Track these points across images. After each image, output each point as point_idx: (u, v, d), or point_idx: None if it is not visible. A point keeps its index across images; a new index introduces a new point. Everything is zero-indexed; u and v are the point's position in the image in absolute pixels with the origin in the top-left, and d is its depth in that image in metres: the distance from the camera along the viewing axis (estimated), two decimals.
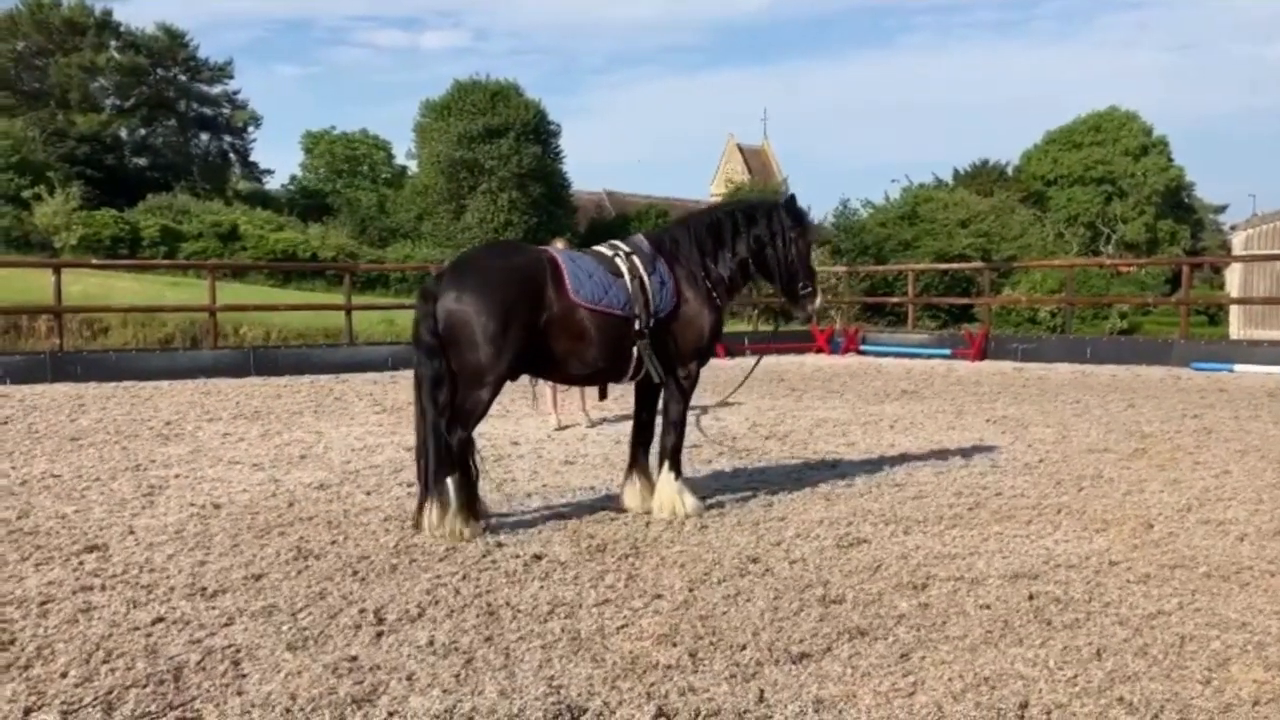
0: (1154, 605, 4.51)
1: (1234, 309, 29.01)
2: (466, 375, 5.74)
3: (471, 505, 5.80)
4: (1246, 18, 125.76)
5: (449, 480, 5.68)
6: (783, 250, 6.47)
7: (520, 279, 5.80)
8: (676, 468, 6.33)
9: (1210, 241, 60.06)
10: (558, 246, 10.22)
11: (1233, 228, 33.44)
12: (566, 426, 9.85)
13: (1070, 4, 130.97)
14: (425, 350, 5.75)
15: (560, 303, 5.85)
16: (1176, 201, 58.96)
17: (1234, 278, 29.71)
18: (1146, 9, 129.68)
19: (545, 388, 9.90)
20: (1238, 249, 30.20)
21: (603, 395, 6.80)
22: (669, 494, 6.26)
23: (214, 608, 4.45)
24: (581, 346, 5.97)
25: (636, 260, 6.17)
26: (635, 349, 6.09)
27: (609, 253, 6.24)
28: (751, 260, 6.49)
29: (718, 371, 15.17)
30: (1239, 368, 16.23)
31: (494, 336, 5.65)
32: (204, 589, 4.72)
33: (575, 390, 9.82)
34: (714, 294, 6.34)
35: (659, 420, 6.44)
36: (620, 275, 6.08)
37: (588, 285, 5.93)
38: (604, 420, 10.29)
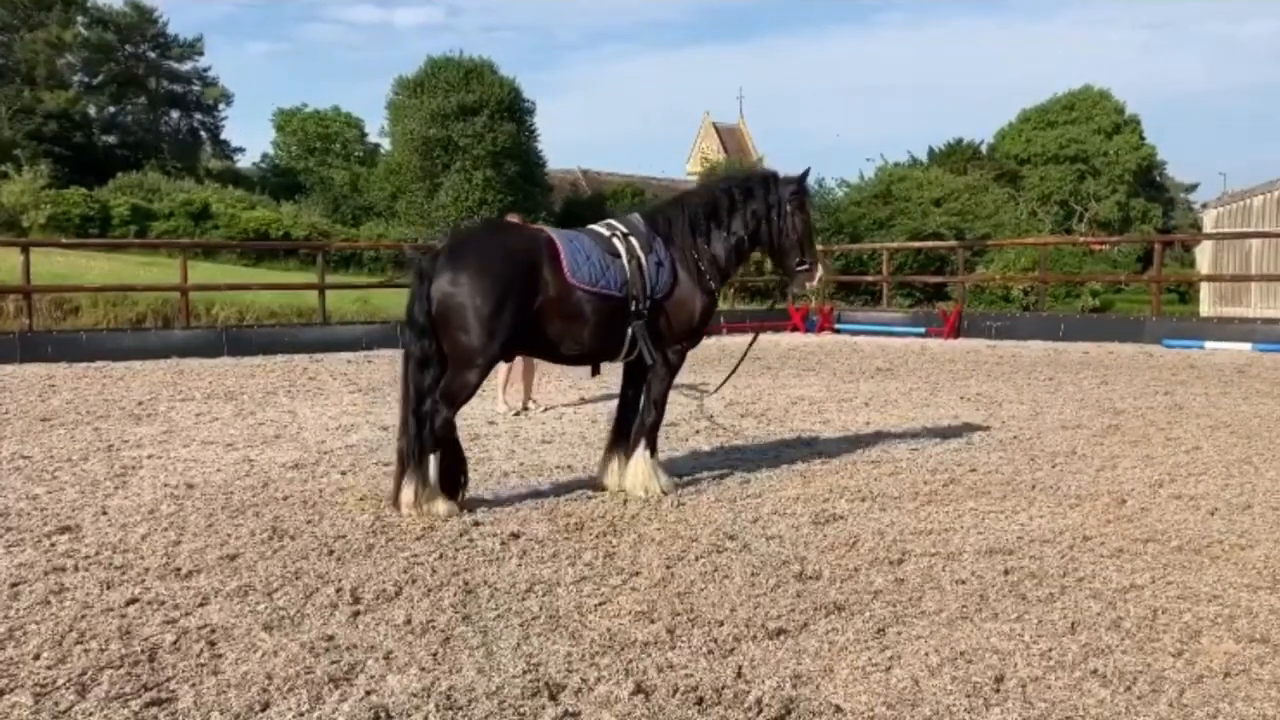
0: (1127, 579, 4.55)
1: (1204, 286, 29.29)
2: (457, 357, 5.71)
3: (450, 485, 5.79)
4: None
5: (430, 459, 5.68)
6: (779, 224, 6.42)
7: (516, 261, 5.76)
8: (652, 446, 6.34)
9: (1181, 220, 60.48)
10: (512, 219, 10.17)
11: (1203, 206, 33.72)
12: (520, 411, 9.73)
13: None
14: (416, 329, 5.71)
15: (556, 284, 5.82)
16: (1148, 180, 59.27)
17: (1204, 256, 30.00)
18: None
19: (499, 371, 9.82)
20: (1208, 227, 30.48)
21: (595, 372, 6.75)
22: (644, 472, 6.25)
23: (189, 588, 4.42)
24: (576, 327, 5.96)
25: (634, 241, 6.15)
26: (630, 330, 6.09)
27: (606, 233, 6.21)
28: (748, 237, 6.45)
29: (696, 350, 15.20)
30: (1209, 344, 16.39)
31: (487, 319, 5.61)
32: (178, 569, 4.68)
33: (520, 374, 9.78)
34: (708, 276, 6.32)
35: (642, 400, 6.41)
36: (618, 256, 6.05)
37: (585, 267, 5.90)
38: (539, 408, 10.26)
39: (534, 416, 9.41)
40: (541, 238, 5.97)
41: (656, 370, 6.30)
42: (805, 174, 6.61)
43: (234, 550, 4.99)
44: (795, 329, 21.11)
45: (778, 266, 6.65)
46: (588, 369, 6.79)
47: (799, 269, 6.50)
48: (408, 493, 5.66)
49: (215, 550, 4.99)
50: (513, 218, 10.34)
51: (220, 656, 3.66)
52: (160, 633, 3.88)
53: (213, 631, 3.89)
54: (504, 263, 5.73)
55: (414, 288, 5.78)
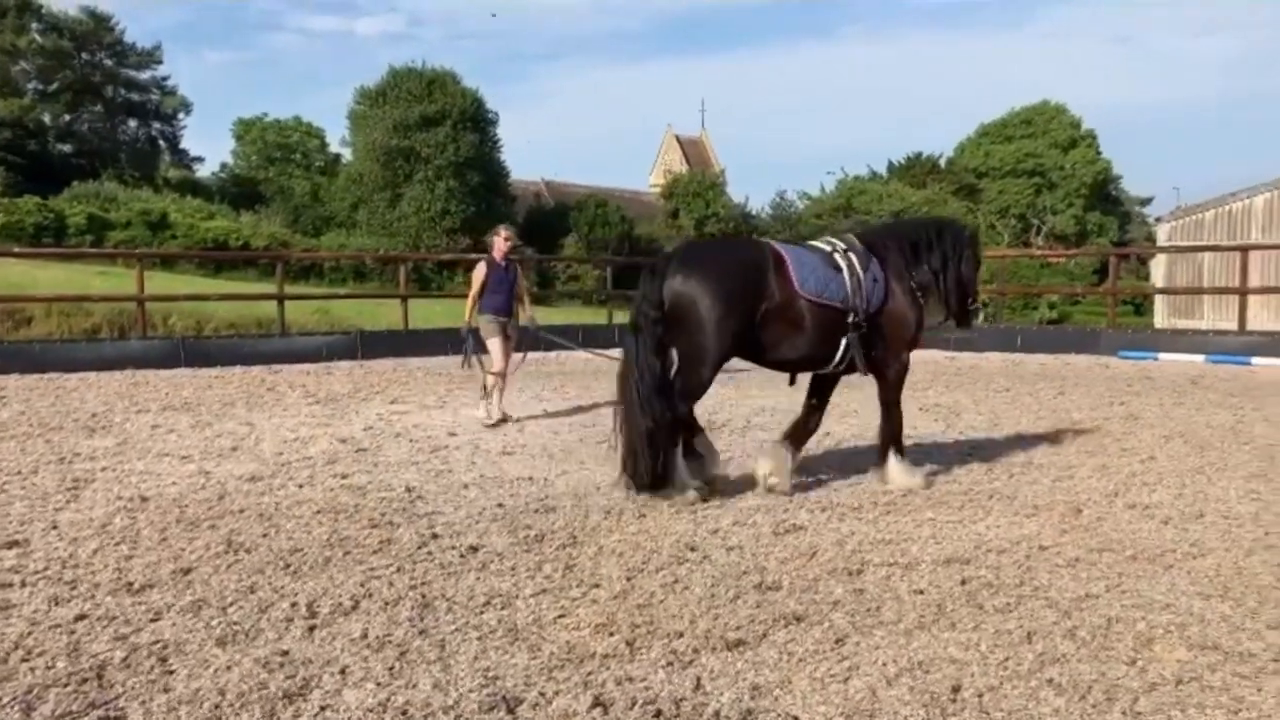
0: (1082, 588, 4.59)
1: (1159, 299, 29.72)
2: (691, 355, 6.19)
3: (688, 468, 6.30)
4: (1176, 12, 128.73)
5: (675, 448, 6.20)
6: (959, 267, 7.05)
7: (747, 270, 6.24)
8: (900, 449, 6.86)
9: (1136, 233, 61.30)
10: (501, 235, 10.15)
11: (1158, 220, 34.21)
12: (501, 420, 9.69)
13: None
14: (648, 325, 6.14)
15: (783, 293, 6.25)
16: (1104, 194, 60.10)
17: (1159, 269, 30.45)
18: (1084, 3, 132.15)
19: (491, 378, 9.78)
20: (1162, 240, 30.93)
21: (792, 381, 7.01)
22: (900, 471, 6.76)
23: (140, 603, 4.35)
24: (797, 335, 6.36)
25: (853, 258, 6.60)
26: (845, 341, 6.49)
27: (827, 249, 6.67)
28: (939, 274, 7.00)
29: None
30: (1163, 356, 16.63)
31: (719, 321, 6.08)
32: (130, 584, 4.61)
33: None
34: (918, 295, 6.87)
35: (806, 414, 6.96)
36: (839, 270, 6.49)
37: (811, 278, 6.35)
38: (512, 420, 10.23)
39: (494, 429, 9.35)
40: (769, 249, 6.43)
41: (882, 383, 6.86)
42: (977, 227, 7.13)
43: (188, 564, 4.92)
44: None
45: (950, 304, 7.16)
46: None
47: (971, 308, 7.25)
48: (645, 475, 6.10)
49: (169, 564, 4.92)
50: (504, 230, 10.30)
51: (171, 673, 3.61)
52: (110, 649, 3.81)
53: (164, 647, 3.83)
54: (736, 269, 6.22)
55: (645, 287, 6.23)
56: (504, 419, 9.68)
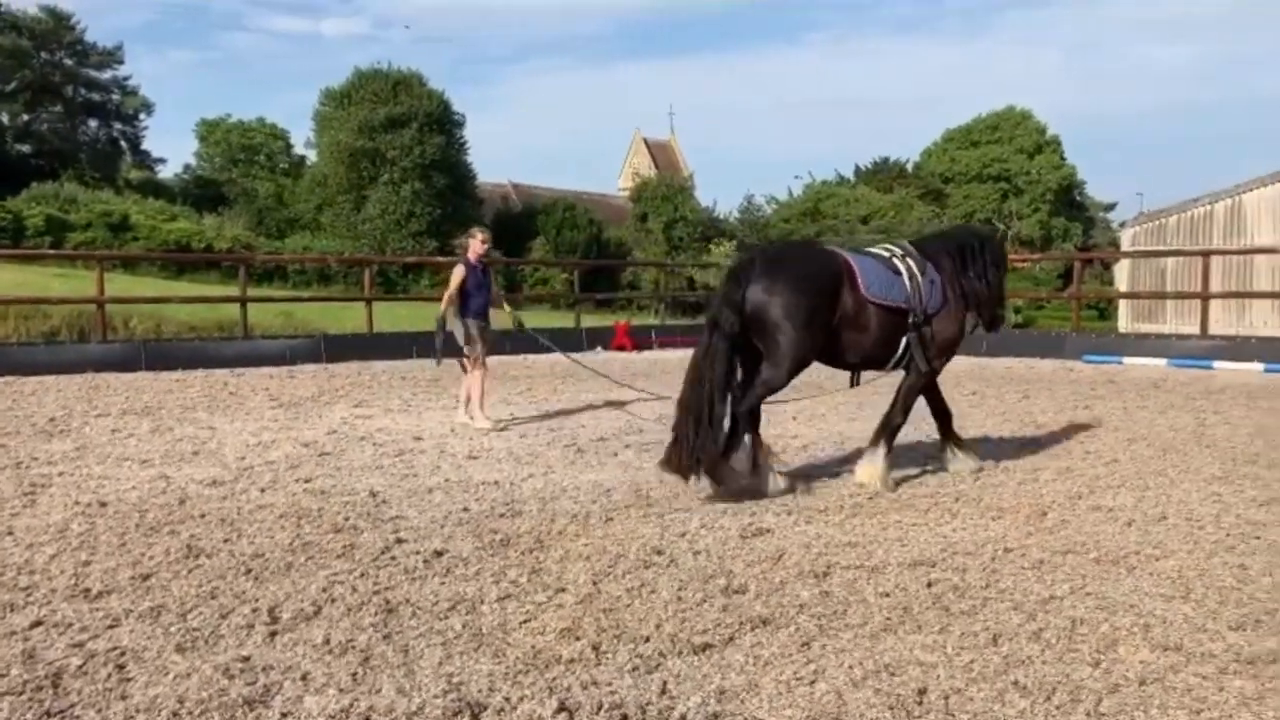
0: (1047, 590, 4.61)
1: (1122, 303, 30.06)
2: (773, 358, 6.48)
3: (759, 460, 6.60)
4: (1140, 20, 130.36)
5: (749, 438, 6.54)
6: (995, 275, 7.42)
7: (824, 278, 6.58)
8: (889, 444, 7.03)
9: (1100, 238, 62.07)
10: (478, 236, 10.02)
11: (1121, 225, 34.66)
12: (500, 425, 9.60)
13: (971, 2, 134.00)
14: (727, 326, 6.38)
15: (853, 298, 6.62)
16: (1069, 199, 60.80)
17: (1122, 273, 30.81)
18: (1048, 8, 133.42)
19: (468, 381, 9.70)
20: (1126, 245, 31.31)
21: (855, 382, 7.31)
22: (877, 467, 6.90)
23: (98, 609, 4.27)
24: (864, 337, 6.75)
25: (911, 262, 6.98)
26: (905, 340, 6.87)
27: (886, 254, 7.03)
28: (979, 280, 7.33)
29: (628, 364, 15.18)
30: (1127, 360, 16.81)
31: (800, 326, 6.40)
32: (88, 590, 4.53)
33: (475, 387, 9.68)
34: (966, 300, 7.24)
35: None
36: (899, 274, 6.87)
37: (877, 283, 6.73)
38: (483, 424, 10.17)
39: (460, 433, 9.30)
40: (839, 258, 6.77)
41: (914, 379, 7.11)
42: (1005, 236, 7.49)
43: (147, 570, 4.84)
44: None
45: (985, 309, 7.46)
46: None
47: (1000, 313, 7.72)
48: (702, 465, 6.29)
49: (127, 570, 4.84)
50: (480, 232, 10.18)
51: (129, 680, 3.54)
52: (66, 656, 3.74)
53: (122, 654, 3.76)
54: (815, 278, 6.55)
55: (726, 289, 6.51)
56: (470, 422, 9.62)
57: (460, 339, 9.76)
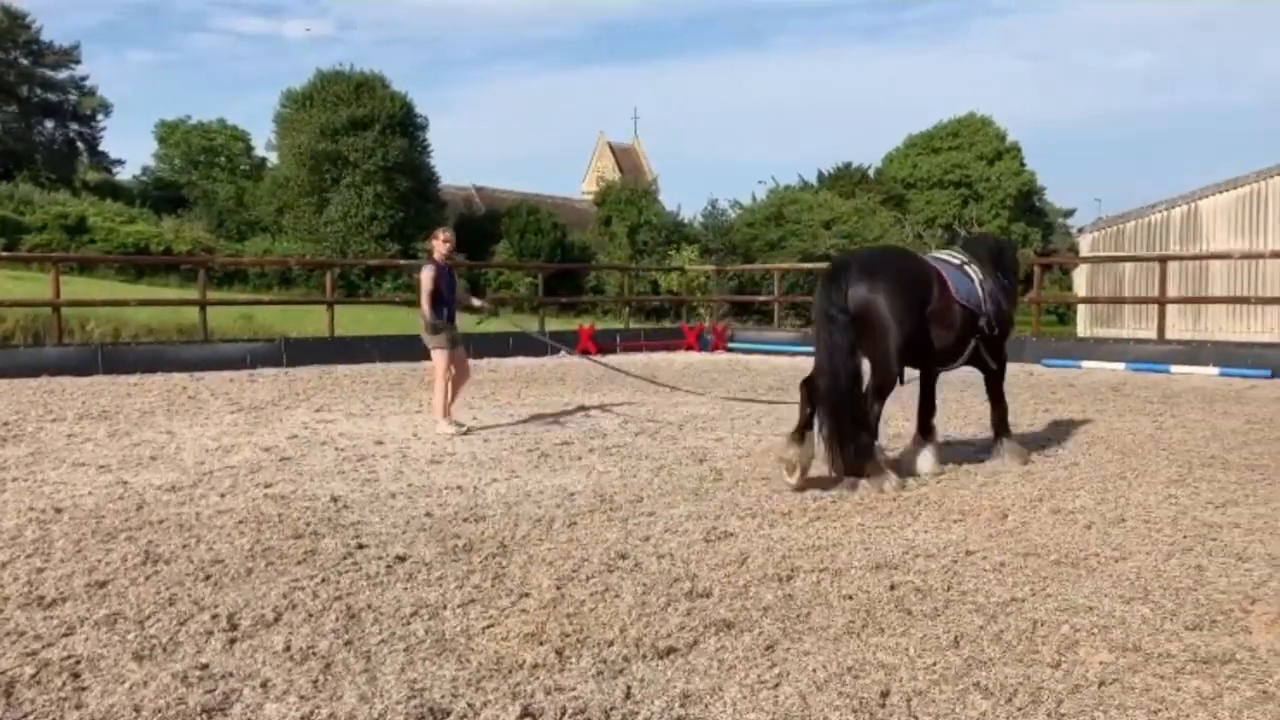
0: (1008, 592, 4.65)
1: (1081, 308, 30.40)
2: (879, 356, 6.96)
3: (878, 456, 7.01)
4: (1099, 28, 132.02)
5: (871, 442, 6.88)
6: (1012, 283, 8.05)
7: (919, 278, 7.11)
8: (1009, 430, 8.09)
9: (1060, 243, 62.71)
10: (440, 237, 9.92)
11: (1080, 230, 35.01)
12: (466, 429, 9.53)
13: (936, 10, 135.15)
14: (838, 324, 6.79)
15: (942, 299, 7.17)
16: (1029, 205, 61.49)
17: (1081, 278, 31.13)
18: (1010, 16, 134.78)
19: (439, 386, 9.63)
20: (1085, 251, 31.64)
21: (903, 381, 7.53)
22: (1014, 449, 7.92)
23: (52, 617, 4.20)
24: (946, 336, 7.31)
25: (975, 268, 7.62)
26: (974, 340, 7.53)
27: (956, 260, 7.67)
28: (1009, 286, 7.97)
29: (589, 369, 15.16)
30: (1086, 364, 17.00)
31: (900, 324, 6.87)
32: (42, 598, 4.45)
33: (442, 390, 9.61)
34: (1012, 303, 7.97)
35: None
36: (971, 279, 7.51)
37: (962, 285, 7.37)
38: (453, 427, 10.13)
39: (423, 437, 9.24)
40: (928, 261, 7.41)
41: (995, 375, 8.03)
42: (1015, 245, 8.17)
43: (104, 577, 4.77)
44: (690, 348, 21.24)
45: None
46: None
47: (1014, 320, 8.34)
48: (839, 466, 6.75)
49: (83, 577, 4.76)
50: (443, 233, 10.06)
51: (84, 689, 3.48)
52: (19, 665, 3.67)
53: (77, 663, 3.70)
54: (912, 278, 7.05)
55: (829, 293, 6.86)
56: (459, 427, 9.50)
57: (441, 346, 9.63)
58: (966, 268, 7.58)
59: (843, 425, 6.73)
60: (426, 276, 9.68)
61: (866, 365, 7.00)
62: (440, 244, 9.87)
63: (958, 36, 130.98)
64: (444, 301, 9.66)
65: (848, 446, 6.74)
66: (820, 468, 6.97)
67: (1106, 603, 4.51)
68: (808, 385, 7.07)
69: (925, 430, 7.79)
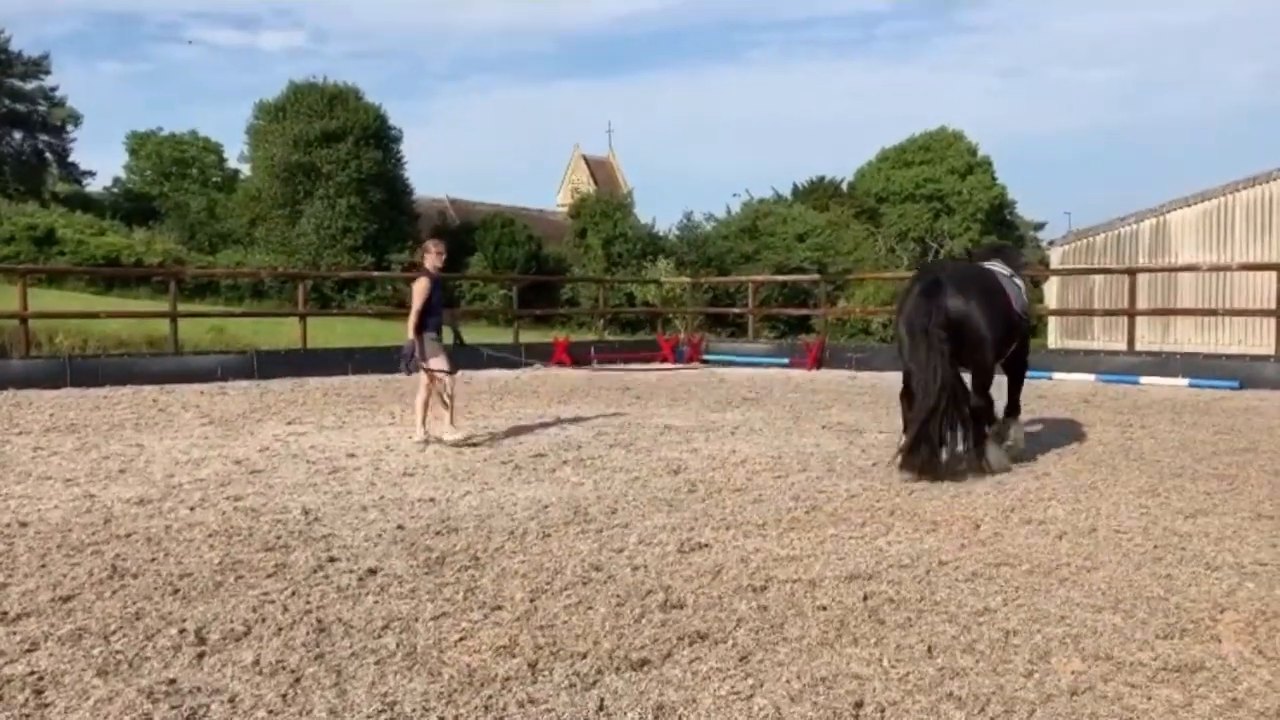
0: (981, 602, 4.66)
1: (1052, 320, 30.61)
2: (977, 360, 7.88)
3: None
4: (1067, 44, 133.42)
5: (979, 426, 7.80)
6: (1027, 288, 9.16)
7: (996, 291, 8.04)
8: (1018, 411, 9.06)
9: (1030, 257, 63.17)
10: (434, 250, 9.79)
11: (1050, 244, 35.30)
12: (429, 441, 9.47)
13: (906, 27, 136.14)
14: (939, 337, 7.44)
15: (1009, 309, 8.15)
16: (1000, 219, 61.93)
17: (1051, 291, 31.37)
18: (979, 33, 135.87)
19: (420, 396, 9.57)
20: (1055, 264, 31.91)
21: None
22: (1018, 428, 8.90)
23: (15, 633, 4.13)
24: (1009, 341, 8.26)
25: (1018, 279, 8.61)
26: (1016, 342, 8.48)
27: (1005, 272, 8.55)
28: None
29: (562, 380, 15.10)
30: (1057, 375, 17.10)
31: (990, 332, 7.78)
32: (5, 613, 4.38)
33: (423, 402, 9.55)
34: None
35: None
36: (1019, 288, 8.47)
37: (1017, 296, 8.33)
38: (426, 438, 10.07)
39: (395, 449, 9.18)
40: (993, 273, 8.31)
41: (1021, 369, 9.17)
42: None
43: (69, 591, 4.70)
44: (664, 359, 21.25)
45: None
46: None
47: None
48: (944, 457, 7.47)
49: (48, 592, 4.69)
50: (435, 246, 9.95)
51: (47, 705, 3.43)
52: None
53: (40, 679, 3.64)
54: (993, 292, 8.00)
55: (926, 307, 7.53)
56: (429, 439, 9.45)
57: (424, 353, 9.54)
58: (1015, 278, 8.54)
59: (957, 423, 7.52)
60: (420, 288, 9.58)
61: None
62: (434, 256, 9.80)
63: (929, 51, 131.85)
64: (434, 312, 9.61)
65: (967, 440, 7.63)
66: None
67: (1078, 612, 4.53)
68: (908, 396, 7.84)
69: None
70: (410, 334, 9.54)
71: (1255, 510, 6.61)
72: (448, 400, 9.60)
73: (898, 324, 7.90)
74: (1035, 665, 3.89)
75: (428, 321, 9.55)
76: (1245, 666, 3.89)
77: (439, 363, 9.59)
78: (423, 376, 9.61)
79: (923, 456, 7.38)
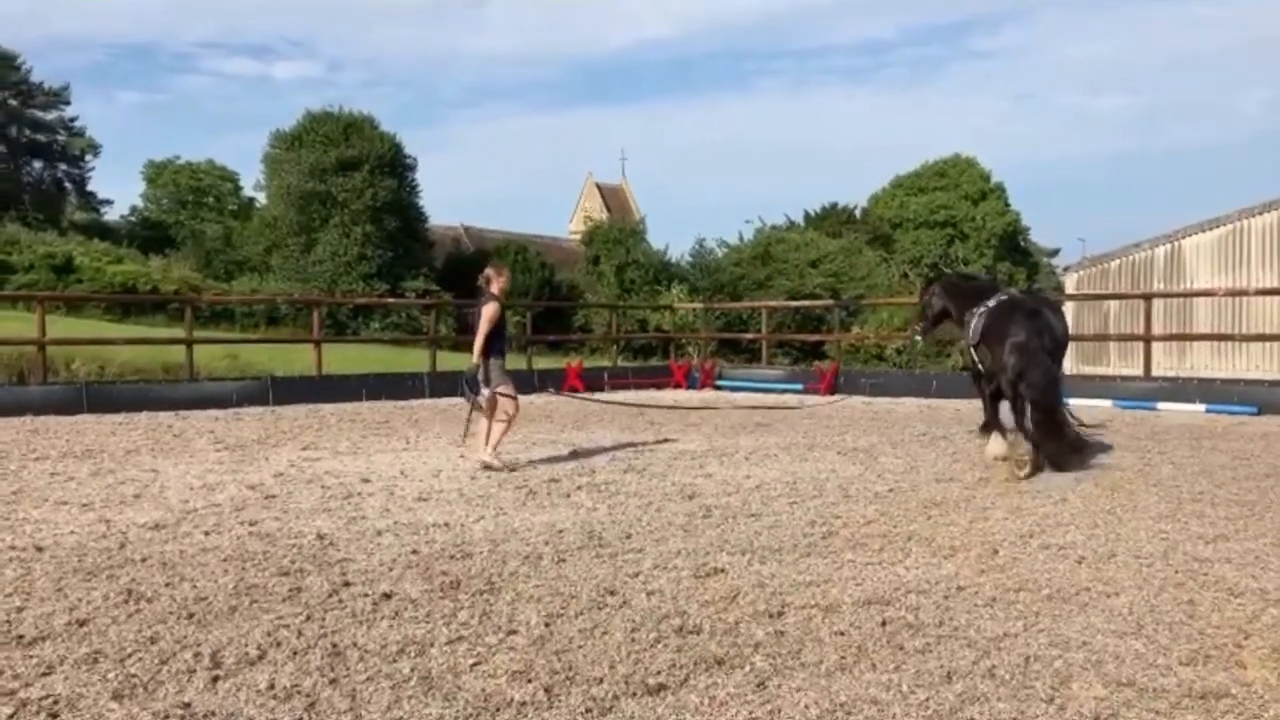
0: (1000, 627, 4.61)
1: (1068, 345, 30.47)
2: (1062, 372, 10.16)
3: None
4: (1080, 70, 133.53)
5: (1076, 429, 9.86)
6: None
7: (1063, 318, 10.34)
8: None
9: (1045, 283, 62.98)
10: (504, 274, 9.76)
11: (1065, 269, 35.23)
12: (491, 467, 9.35)
13: (918, 54, 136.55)
14: (1047, 353, 9.40)
15: (1066, 334, 10.23)
16: (1014, 244, 61.93)
17: (1067, 316, 31.26)
18: (991, 59, 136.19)
19: (482, 422, 9.54)
20: (1070, 289, 31.81)
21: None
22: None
23: (32, 656, 4.13)
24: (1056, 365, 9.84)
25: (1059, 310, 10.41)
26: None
27: (1054, 302, 11.06)
28: None
29: (577, 407, 15.10)
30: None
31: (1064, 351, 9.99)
32: (21, 637, 4.38)
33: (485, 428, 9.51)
34: None
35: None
36: (1062, 318, 10.20)
37: (1059, 323, 9.96)
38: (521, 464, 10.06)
39: (410, 475, 9.18)
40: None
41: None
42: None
43: (84, 615, 4.70)
44: (678, 385, 21.23)
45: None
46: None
47: None
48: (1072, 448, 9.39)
49: (64, 615, 4.69)
50: (498, 271, 9.85)
51: None
52: None
53: (55, 702, 3.63)
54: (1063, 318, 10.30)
55: (1038, 327, 9.38)
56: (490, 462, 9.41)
57: (489, 379, 9.46)
58: (1060, 309, 10.45)
59: (1065, 421, 9.53)
60: (491, 313, 9.43)
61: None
62: (503, 280, 9.75)
63: (941, 78, 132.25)
64: (501, 337, 9.58)
65: (1069, 436, 9.47)
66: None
67: (1100, 638, 4.48)
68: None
69: (999, 428, 10.32)
70: (475, 358, 9.50)
71: (1277, 536, 6.55)
72: (505, 423, 9.53)
73: (1005, 340, 9.36)
74: (1057, 691, 3.84)
75: (493, 346, 9.51)
76: (1270, 693, 3.83)
77: (506, 389, 9.53)
78: (506, 405, 9.52)
79: (1074, 434, 9.54)
